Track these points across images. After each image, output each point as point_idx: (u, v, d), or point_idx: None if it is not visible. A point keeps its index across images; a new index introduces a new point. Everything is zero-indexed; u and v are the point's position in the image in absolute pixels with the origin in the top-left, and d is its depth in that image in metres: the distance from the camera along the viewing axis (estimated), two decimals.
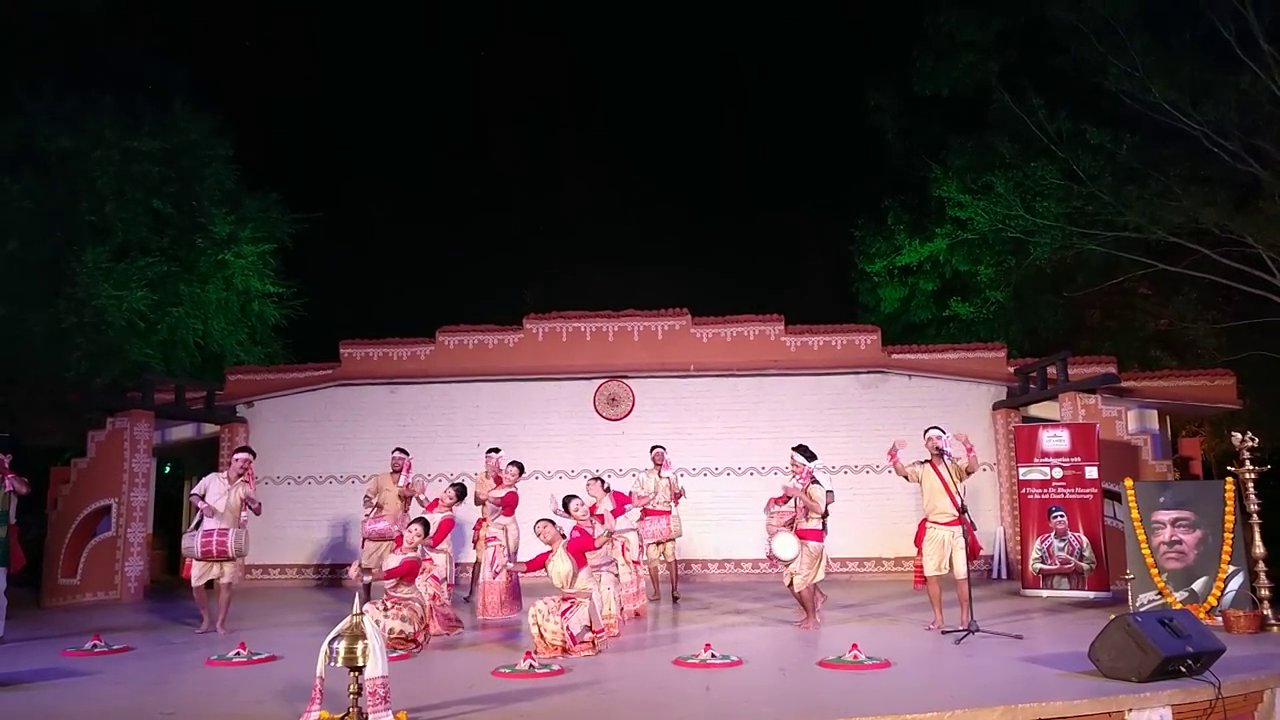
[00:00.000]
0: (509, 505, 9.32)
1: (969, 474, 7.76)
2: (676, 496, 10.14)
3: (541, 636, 6.65)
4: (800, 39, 23.74)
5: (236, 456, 8.60)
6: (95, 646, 7.13)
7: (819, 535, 7.86)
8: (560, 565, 7.06)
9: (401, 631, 6.84)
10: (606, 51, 25.03)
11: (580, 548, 7.15)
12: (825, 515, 7.98)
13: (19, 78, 13.20)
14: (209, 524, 8.21)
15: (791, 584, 7.85)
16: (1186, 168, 14.04)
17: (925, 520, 7.89)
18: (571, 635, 6.60)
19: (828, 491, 8.10)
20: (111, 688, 5.84)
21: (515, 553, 9.14)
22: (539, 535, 7.24)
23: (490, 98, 25.28)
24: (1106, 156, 15.06)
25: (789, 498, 7.88)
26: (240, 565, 8.45)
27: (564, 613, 6.67)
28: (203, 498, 8.27)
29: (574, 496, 7.95)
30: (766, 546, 7.92)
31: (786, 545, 7.71)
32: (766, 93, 24.89)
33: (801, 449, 8.19)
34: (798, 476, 8.01)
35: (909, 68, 17.85)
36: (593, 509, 8.13)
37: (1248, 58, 12.74)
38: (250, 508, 8.38)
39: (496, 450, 10.05)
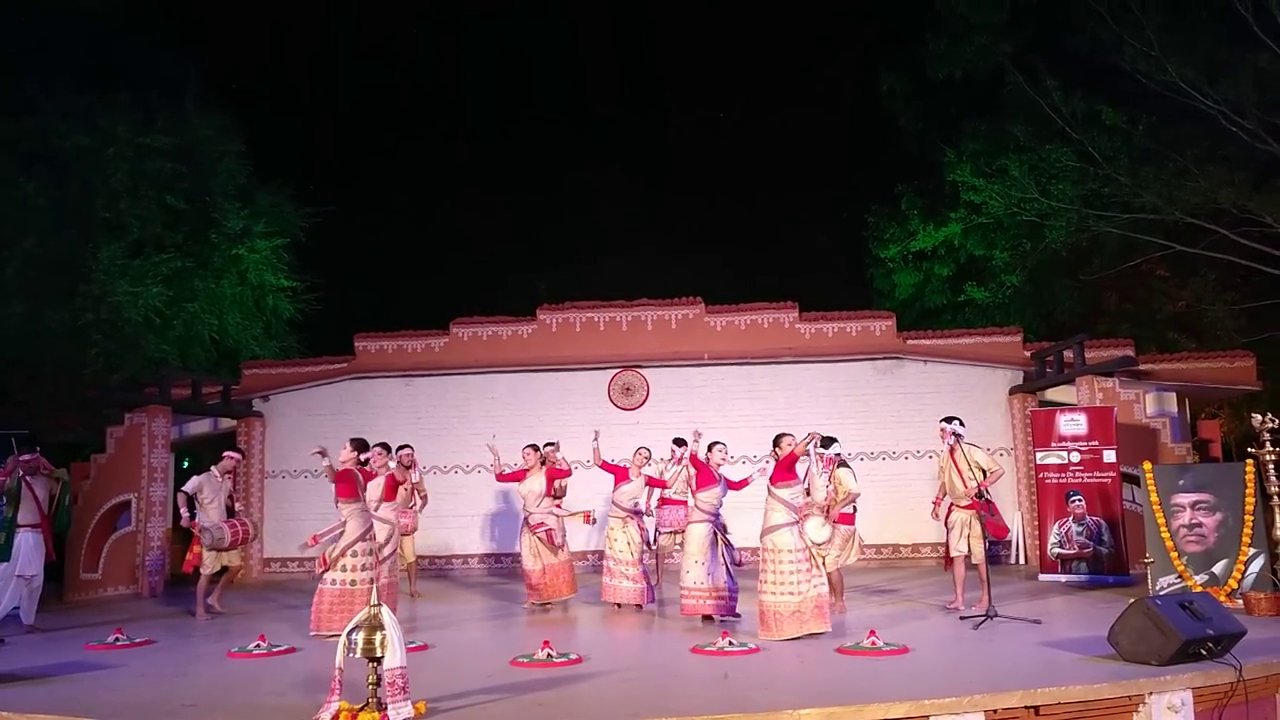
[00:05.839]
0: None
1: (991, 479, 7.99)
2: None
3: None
4: (813, 23, 23.59)
5: (231, 455, 9.45)
6: (118, 639, 7.18)
7: (850, 519, 8.11)
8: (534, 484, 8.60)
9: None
10: (617, 36, 25.00)
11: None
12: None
13: (33, 76, 13.27)
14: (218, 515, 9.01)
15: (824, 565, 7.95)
16: (1204, 147, 13.90)
17: (952, 503, 8.14)
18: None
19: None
20: (134, 680, 5.89)
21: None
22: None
23: (501, 86, 25.27)
24: (1122, 137, 14.90)
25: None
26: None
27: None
28: (193, 496, 8.95)
29: (718, 442, 8.25)
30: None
31: (819, 529, 7.82)
32: (779, 78, 24.78)
33: (824, 439, 8.24)
34: (823, 469, 8.10)
35: (922, 51, 17.69)
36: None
37: (1265, 34, 12.57)
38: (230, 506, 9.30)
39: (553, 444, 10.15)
